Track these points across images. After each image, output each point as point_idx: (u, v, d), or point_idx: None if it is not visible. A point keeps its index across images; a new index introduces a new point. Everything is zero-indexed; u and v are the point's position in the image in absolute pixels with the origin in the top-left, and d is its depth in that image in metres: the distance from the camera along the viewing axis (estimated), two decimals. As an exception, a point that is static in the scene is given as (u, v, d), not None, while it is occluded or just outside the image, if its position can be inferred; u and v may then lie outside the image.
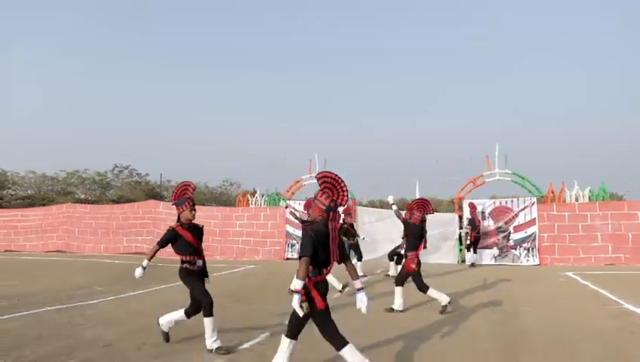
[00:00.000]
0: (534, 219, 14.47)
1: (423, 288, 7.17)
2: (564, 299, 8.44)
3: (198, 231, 5.40)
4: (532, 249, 14.35)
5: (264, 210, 16.91)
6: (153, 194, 42.36)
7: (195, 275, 5.23)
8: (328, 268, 4.02)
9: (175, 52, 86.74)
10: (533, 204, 14.52)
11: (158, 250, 5.19)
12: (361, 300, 3.94)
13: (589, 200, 14.57)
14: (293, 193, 17.13)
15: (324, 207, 4.00)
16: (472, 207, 14.62)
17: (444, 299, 7.10)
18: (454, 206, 16.48)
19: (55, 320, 6.68)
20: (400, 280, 7.35)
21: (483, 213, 14.82)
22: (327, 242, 3.93)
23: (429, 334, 5.89)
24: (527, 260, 14.31)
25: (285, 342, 4.03)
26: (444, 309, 7.06)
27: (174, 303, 6.44)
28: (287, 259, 16.59)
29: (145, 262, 5.08)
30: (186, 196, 5.40)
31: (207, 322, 5.08)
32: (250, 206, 17.38)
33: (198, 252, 5.30)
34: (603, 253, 13.69)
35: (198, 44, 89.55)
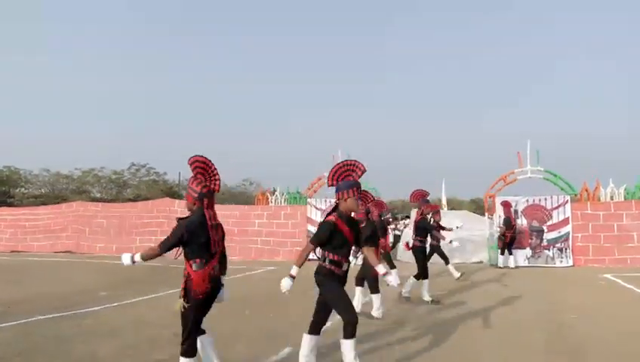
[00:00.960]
0: (567, 218, 13.85)
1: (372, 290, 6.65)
2: (613, 304, 7.89)
3: (355, 225, 4.25)
4: (565, 249, 13.73)
5: (284, 209, 16.47)
6: (171, 193, 42.20)
7: (337, 281, 4.11)
8: (215, 258, 3.76)
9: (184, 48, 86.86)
10: (567, 202, 13.89)
11: (313, 250, 4.10)
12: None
13: (625, 198, 13.89)
14: (315, 191, 16.66)
15: (196, 195, 3.75)
16: (507, 205, 13.85)
17: (378, 313, 6.50)
18: (483, 203, 15.91)
19: (45, 332, 5.82)
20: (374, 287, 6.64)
21: (516, 211, 14.19)
22: (203, 233, 3.67)
23: (477, 349, 5.32)
24: (561, 261, 13.68)
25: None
26: (371, 317, 6.44)
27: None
28: (309, 259, 16.17)
29: (294, 270, 4.01)
30: (350, 179, 4.23)
31: (348, 346, 3.96)
32: (270, 205, 16.96)
33: (348, 252, 4.20)
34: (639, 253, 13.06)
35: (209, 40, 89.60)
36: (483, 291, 9.42)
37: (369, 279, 6.71)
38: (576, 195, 14.28)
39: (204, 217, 3.69)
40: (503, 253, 13.50)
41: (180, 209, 17.57)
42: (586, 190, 14.35)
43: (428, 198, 8.31)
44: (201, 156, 3.86)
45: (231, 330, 5.83)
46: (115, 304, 7.76)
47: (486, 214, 15.23)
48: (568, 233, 13.76)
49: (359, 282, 7.11)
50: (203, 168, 3.84)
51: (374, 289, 6.64)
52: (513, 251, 13.56)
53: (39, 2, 75.87)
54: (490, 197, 15.00)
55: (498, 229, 13.77)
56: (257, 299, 8.29)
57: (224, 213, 16.97)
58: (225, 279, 3.99)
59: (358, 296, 6.99)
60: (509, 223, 13.42)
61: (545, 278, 11.04)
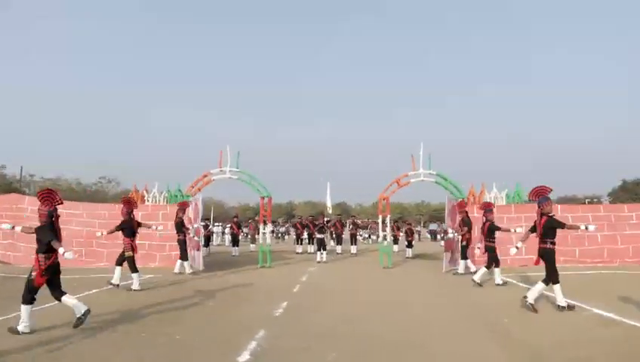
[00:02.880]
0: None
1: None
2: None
3: None
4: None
5: (163, 208, 14.58)
6: (11, 189, 36.75)
7: None
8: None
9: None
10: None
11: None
12: None
13: (506, 203, 14.51)
14: (199, 189, 14.99)
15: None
16: (464, 205, 12.77)
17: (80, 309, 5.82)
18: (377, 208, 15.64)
19: None
20: None
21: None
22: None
23: None
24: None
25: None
26: (78, 322, 5.78)
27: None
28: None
29: None
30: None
31: None
32: (147, 204, 14.90)
33: None
34: (518, 254, 13.57)
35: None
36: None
37: None
38: (463, 199, 14.56)
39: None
40: (464, 257, 12.40)
41: (31, 207, 14.70)
42: (472, 194, 14.74)
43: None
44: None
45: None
46: None
47: (380, 216, 14.99)
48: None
49: None
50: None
51: None
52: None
53: None
54: (384, 199, 14.74)
55: (453, 232, 12.90)
56: (136, 315, 6.68)
57: (90, 212, 14.59)
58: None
59: None
60: (469, 224, 12.41)
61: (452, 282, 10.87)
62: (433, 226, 35.60)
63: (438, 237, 32.88)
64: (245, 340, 5.42)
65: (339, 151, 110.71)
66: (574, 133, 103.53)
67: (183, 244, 12.19)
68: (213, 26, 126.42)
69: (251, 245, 22.56)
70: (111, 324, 6.26)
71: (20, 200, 15.32)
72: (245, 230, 27.00)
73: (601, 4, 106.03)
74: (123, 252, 9.83)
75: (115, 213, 14.35)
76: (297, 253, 20.63)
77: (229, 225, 29.11)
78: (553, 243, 7.17)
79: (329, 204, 27.94)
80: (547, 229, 7.14)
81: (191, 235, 12.62)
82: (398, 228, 22.23)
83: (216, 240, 28.65)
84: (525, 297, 7.19)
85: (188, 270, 12.17)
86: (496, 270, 10.13)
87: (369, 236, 33.29)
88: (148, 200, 15.01)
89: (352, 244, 21.13)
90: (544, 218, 7.17)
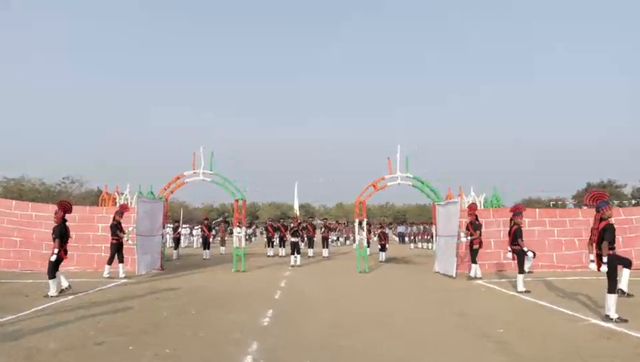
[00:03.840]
0: (437, 225, 14.18)
1: None
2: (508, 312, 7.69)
3: None
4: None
5: (99, 211, 14.14)
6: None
7: None
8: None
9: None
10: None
11: None
12: None
13: (484, 206, 14.64)
14: (172, 191, 14.47)
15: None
16: (474, 208, 12.76)
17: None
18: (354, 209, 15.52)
19: None
20: None
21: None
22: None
23: None
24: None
25: None
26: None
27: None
28: (163, 269, 14.00)
29: None
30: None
31: None
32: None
33: None
34: (495, 258, 13.72)
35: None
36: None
37: None
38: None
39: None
40: (475, 261, 12.18)
41: (20, 211, 13.90)
42: (449, 197, 14.81)
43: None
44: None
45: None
46: None
47: (356, 220, 14.89)
48: (436, 239, 14.02)
49: None
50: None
51: None
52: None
53: None
54: (360, 203, 14.62)
55: (466, 235, 12.28)
56: (122, 325, 6.27)
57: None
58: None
59: None
60: (480, 227, 12.24)
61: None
62: (401, 229, 35.74)
63: (407, 239, 33.11)
64: (240, 354, 5.15)
65: (306, 151, 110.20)
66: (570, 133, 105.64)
67: (114, 248, 11.97)
68: (212, 27, 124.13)
69: (221, 248, 22.05)
70: (93, 336, 5.86)
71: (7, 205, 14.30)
72: (213, 232, 26.42)
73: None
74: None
75: (85, 215, 13.73)
76: (268, 256, 20.29)
77: (199, 227, 28.47)
78: (613, 249, 6.96)
79: (296, 206, 27.57)
80: (610, 233, 6.92)
81: (125, 239, 12.13)
82: (369, 231, 22.14)
83: (184, 242, 27.90)
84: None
85: (121, 274, 11.89)
86: (520, 276, 9.84)
87: (337, 238, 33.23)
88: (119, 202, 14.37)
89: (323, 247, 20.94)
90: (603, 222, 7.03)
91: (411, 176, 14.48)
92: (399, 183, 14.54)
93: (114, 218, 12.12)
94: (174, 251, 19.61)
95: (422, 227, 29.89)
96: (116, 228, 11.96)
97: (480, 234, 12.20)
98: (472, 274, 12.17)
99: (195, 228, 31.09)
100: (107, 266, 11.93)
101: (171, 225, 21.70)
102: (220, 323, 6.81)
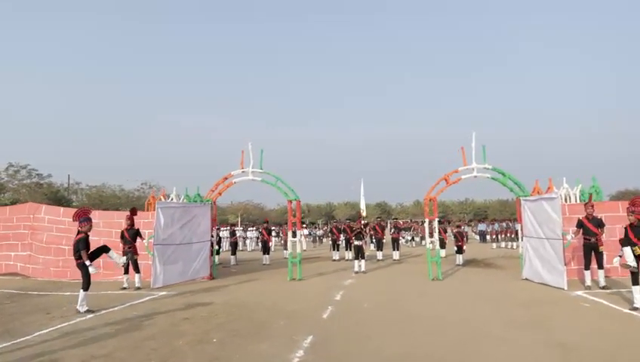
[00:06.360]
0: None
1: None
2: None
3: None
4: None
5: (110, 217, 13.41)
6: (57, 198, 36.71)
7: None
8: None
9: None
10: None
11: None
12: None
13: (581, 200, 12.18)
14: (220, 193, 13.41)
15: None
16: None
17: None
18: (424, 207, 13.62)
19: None
20: None
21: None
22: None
23: None
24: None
25: None
26: None
27: None
28: (213, 277, 12.98)
29: None
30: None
31: None
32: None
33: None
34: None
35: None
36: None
37: None
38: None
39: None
40: (602, 266, 10.07)
41: (48, 216, 13.66)
42: (538, 191, 12.50)
43: None
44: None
45: None
46: None
47: (426, 220, 13.03)
48: (520, 241, 11.77)
49: None
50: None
51: None
52: None
53: None
54: (430, 200, 12.72)
55: (572, 235, 10.41)
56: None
57: (107, 220, 13.35)
58: None
59: None
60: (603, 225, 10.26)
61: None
62: (482, 226, 32.77)
63: (488, 238, 30.29)
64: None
65: (373, 149, 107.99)
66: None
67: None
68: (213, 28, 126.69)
69: (284, 251, 20.89)
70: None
71: (37, 210, 14.21)
72: (273, 233, 25.31)
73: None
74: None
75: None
76: (334, 260, 18.80)
77: (253, 229, 27.59)
78: None
79: (363, 206, 25.99)
80: None
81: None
82: (445, 231, 19.89)
83: (242, 245, 27.07)
84: None
85: (137, 283, 11.20)
86: (636, 288, 7.66)
87: (412, 238, 31.01)
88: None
89: (394, 250, 19.12)
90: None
91: (490, 167, 12.34)
92: (475, 176, 12.46)
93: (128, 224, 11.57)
94: (231, 256, 18.70)
95: (504, 224, 27.24)
96: (136, 234, 11.47)
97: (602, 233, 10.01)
98: (602, 282, 9.96)
99: (250, 229, 30.21)
100: (137, 275, 11.27)
101: (227, 229, 20.88)
102: (241, 359, 5.37)
